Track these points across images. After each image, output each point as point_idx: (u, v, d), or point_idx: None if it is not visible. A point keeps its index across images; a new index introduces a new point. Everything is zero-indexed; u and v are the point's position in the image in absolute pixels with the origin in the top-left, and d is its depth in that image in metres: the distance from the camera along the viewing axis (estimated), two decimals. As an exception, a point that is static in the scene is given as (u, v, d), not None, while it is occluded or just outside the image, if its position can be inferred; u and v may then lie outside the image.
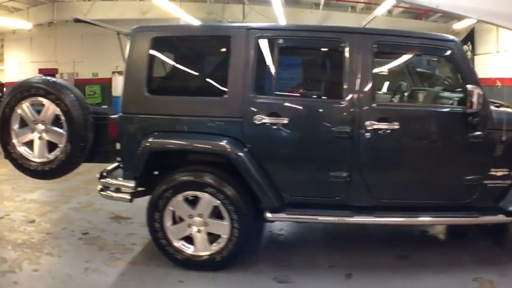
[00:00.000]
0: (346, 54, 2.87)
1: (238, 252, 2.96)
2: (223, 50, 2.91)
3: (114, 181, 3.02)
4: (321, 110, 2.94)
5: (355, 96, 2.84)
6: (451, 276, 2.96)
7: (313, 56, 3.23)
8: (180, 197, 2.90)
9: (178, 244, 2.98)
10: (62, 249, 3.43)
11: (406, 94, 3.79)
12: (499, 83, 9.85)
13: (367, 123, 2.82)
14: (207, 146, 2.85)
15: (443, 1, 6.10)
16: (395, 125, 2.82)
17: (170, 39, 3.11)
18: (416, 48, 3.12)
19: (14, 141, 3.19)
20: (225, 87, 2.89)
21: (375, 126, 2.82)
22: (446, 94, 3.39)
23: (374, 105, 2.88)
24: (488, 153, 2.90)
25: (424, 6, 6.40)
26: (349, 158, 2.87)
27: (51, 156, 3.16)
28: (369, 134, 2.83)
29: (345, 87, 2.87)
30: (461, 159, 2.95)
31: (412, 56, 3.47)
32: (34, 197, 4.95)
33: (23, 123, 3.21)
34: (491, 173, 2.89)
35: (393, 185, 2.95)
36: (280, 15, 9.89)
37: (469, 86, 2.74)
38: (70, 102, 3.06)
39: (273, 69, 2.91)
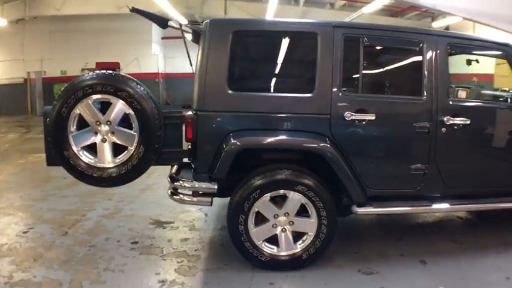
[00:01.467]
0: (425, 54, 3.01)
1: (325, 248, 2.95)
2: (310, 46, 2.87)
3: (196, 184, 2.84)
4: (403, 107, 3.04)
5: (434, 93, 2.99)
6: (507, 255, 3.24)
7: (395, 55, 3.32)
8: (267, 197, 2.83)
9: (262, 246, 2.91)
10: (119, 262, 3.12)
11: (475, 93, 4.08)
12: (475, 79, 10.61)
13: (445, 118, 2.98)
14: (303, 144, 2.80)
15: (440, 1, 6.46)
16: (467, 120, 3.03)
17: (253, 34, 3.02)
18: (478, 49, 3.40)
19: (73, 145, 2.86)
20: (312, 84, 2.86)
21: (451, 122, 2.99)
22: (498, 93, 3.69)
23: (450, 102, 3.06)
24: None
25: (421, 5, 6.72)
26: (427, 151, 3.02)
27: (118, 160, 2.90)
28: (445, 128, 3.00)
29: (424, 84, 3.00)
30: None
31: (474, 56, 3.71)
32: (51, 205, 4.51)
33: (81, 125, 2.90)
34: None
35: (464, 175, 3.17)
36: (271, 11, 9.89)
37: None
38: (143, 100, 2.81)
39: (359, 67, 2.94)
